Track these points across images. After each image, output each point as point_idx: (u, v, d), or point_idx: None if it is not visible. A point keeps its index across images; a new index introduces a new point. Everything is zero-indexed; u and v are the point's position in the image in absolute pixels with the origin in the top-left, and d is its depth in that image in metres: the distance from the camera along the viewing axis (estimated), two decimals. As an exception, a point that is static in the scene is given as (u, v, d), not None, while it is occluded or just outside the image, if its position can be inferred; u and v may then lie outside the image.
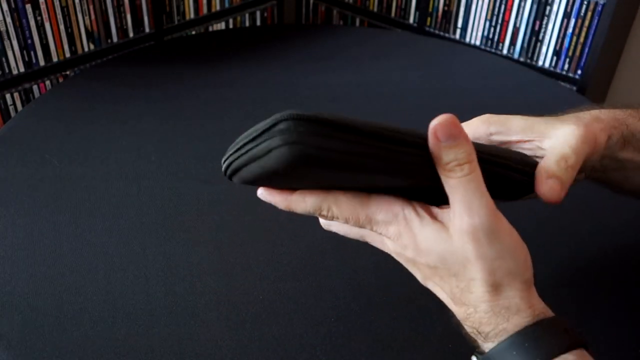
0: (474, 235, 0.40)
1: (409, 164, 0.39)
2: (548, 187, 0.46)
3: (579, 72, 1.49)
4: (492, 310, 0.41)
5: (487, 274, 0.41)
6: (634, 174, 0.55)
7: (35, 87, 1.34)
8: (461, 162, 0.39)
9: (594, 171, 0.54)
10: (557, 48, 1.51)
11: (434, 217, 0.42)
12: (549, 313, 0.42)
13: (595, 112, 0.53)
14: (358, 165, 0.37)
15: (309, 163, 0.35)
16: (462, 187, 0.40)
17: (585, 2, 1.42)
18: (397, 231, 0.42)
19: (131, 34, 1.48)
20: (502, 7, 1.55)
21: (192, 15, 1.60)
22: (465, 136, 0.39)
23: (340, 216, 0.43)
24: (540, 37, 1.52)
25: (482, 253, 0.40)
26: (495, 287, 0.41)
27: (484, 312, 0.42)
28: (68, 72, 1.39)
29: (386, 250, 0.45)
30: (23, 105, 1.34)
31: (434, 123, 0.39)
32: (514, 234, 0.42)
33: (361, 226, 0.44)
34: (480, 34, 1.62)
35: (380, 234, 0.44)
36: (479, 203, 0.40)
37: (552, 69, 1.53)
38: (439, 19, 1.68)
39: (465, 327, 0.43)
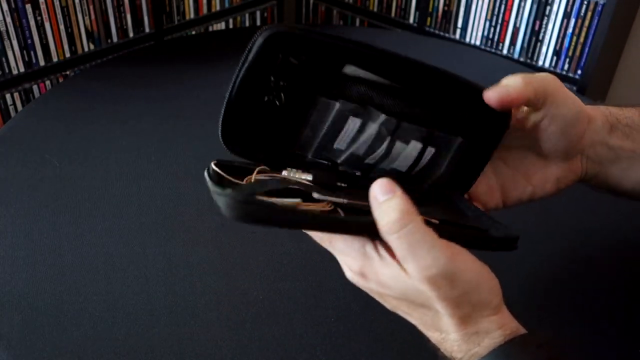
0: (433, 282, 0.40)
1: (354, 231, 0.42)
2: (492, 91, 0.49)
3: (579, 72, 1.49)
4: (461, 339, 0.42)
5: (453, 310, 0.41)
6: (629, 165, 0.54)
7: (35, 87, 1.34)
8: (398, 217, 0.39)
9: (592, 163, 0.53)
10: (557, 48, 1.51)
11: (394, 256, 0.41)
12: (522, 331, 0.42)
13: None
14: (305, 227, 0.41)
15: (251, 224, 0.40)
16: (406, 242, 0.39)
17: (585, 2, 1.42)
18: (357, 265, 0.43)
19: (131, 34, 1.48)
20: (502, 7, 1.55)
21: (192, 15, 1.60)
22: (401, 193, 0.40)
23: (315, 237, 0.45)
24: (540, 37, 1.52)
25: (444, 295, 0.40)
26: (463, 319, 0.42)
27: (454, 340, 0.42)
28: (68, 72, 1.39)
29: (349, 277, 0.44)
30: (23, 105, 1.34)
31: (372, 187, 0.41)
32: (475, 268, 0.41)
33: (324, 245, 0.44)
34: (480, 34, 1.62)
35: (340, 262, 0.44)
36: (429, 252, 0.39)
37: (552, 69, 1.53)
38: (439, 19, 1.68)
39: (441, 349, 0.44)
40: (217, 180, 0.44)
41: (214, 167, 0.46)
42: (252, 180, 0.45)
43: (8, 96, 1.31)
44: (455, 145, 0.51)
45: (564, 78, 1.51)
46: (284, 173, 0.48)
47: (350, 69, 0.48)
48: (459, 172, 0.51)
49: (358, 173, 0.51)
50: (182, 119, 0.89)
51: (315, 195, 0.43)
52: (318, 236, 0.44)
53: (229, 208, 0.39)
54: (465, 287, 0.41)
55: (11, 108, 1.33)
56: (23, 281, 0.61)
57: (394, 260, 0.41)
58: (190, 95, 0.96)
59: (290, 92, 0.46)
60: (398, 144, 0.50)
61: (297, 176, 0.47)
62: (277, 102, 0.47)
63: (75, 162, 0.79)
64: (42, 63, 1.34)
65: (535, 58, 1.55)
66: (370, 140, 0.50)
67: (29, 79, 1.33)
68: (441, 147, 0.51)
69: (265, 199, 0.40)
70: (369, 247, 0.42)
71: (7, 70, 1.29)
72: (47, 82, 1.36)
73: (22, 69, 1.31)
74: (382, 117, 0.49)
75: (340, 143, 0.50)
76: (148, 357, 0.54)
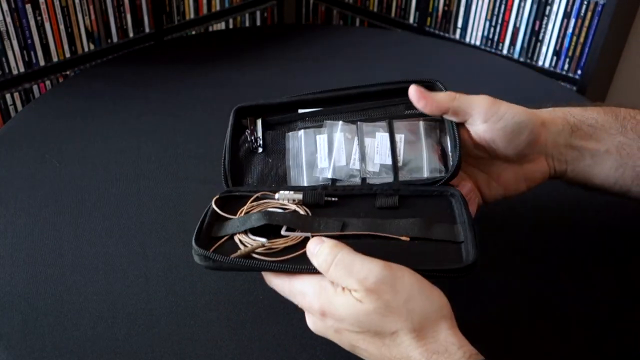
0: (375, 291, 0.43)
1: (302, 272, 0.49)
2: (414, 89, 0.57)
3: (579, 72, 1.49)
4: (423, 357, 0.43)
5: (405, 321, 0.43)
6: (594, 162, 0.59)
7: (35, 87, 1.34)
8: (327, 252, 0.46)
9: (558, 162, 0.59)
10: (557, 48, 1.51)
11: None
12: (480, 355, 0.43)
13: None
14: (260, 271, 0.51)
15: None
16: (341, 267, 0.45)
17: (585, 2, 1.42)
18: (317, 303, 0.46)
19: (131, 34, 1.47)
20: (502, 7, 1.55)
21: (192, 15, 1.60)
22: (328, 239, 0.47)
23: (273, 285, 0.50)
24: (540, 37, 1.52)
25: (390, 302, 0.43)
26: (418, 331, 0.43)
27: None
28: (68, 72, 1.39)
29: (311, 327, 0.49)
30: (23, 105, 1.33)
31: (307, 248, 0.48)
32: (413, 276, 0.45)
33: (288, 297, 0.50)
34: (480, 34, 1.62)
35: (303, 307, 0.49)
36: (363, 266, 0.45)
37: (552, 69, 1.53)
38: (439, 19, 1.68)
39: None
40: (216, 215, 0.56)
41: (214, 206, 0.56)
42: (244, 213, 0.55)
43: (8, 96, 1.31)
44: (421, 130, 0.60)
45: (564, 78, 1.51)
46: (277, 196, 0.56)
47: (301, 110, 0.62)
48: (445, 159, 0.58)
49: (358, 181, 0.58)
50: (182, 119, 0.89)
51: (283, 232, 0.52)
52: (279, 289, 0.50)
53: (198, 261, 0.51)
54: (408, 291, 0.44)
55: (11, 108, 1.33)
56: (23, 281, 0.61)
57: (346, 289, 0.45)
58: (190, 95, 0.96)
59: (266, 141, 0.62)
60: (367, 140, 0.59)
61: (288, 197, 0.56)
62: (258, 148, 0.62)
63: (75, 162, 0.79)
64: (42, 63, 1.33)
65: (535, 58, 1.55)
66: (343, 147, 0.59)
67: (29, 79, 1.33)
68: (408, 133, 0.60)
69: (219, 256, 0.50)
70: (324, 281, 0.47)
71: (7, 70, 1.29)
72: (47, 82, 1.36)
73: (22, 69, 1.31)
74: (340, 124, 0.60)
75: (322, 161, 0.59)
76: (148, 357, 0.54)
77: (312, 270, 0.47)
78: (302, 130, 0.61)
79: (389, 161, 0.58)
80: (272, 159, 0.61)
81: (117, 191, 0.74)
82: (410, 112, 0.60)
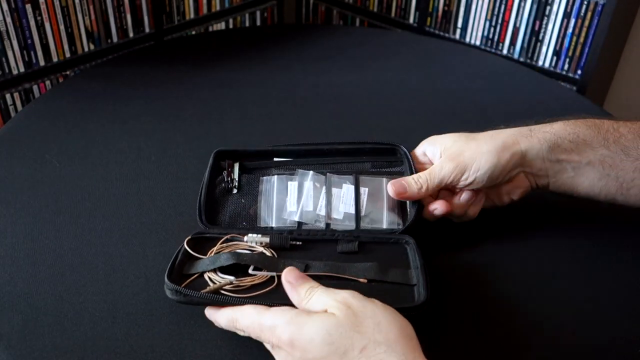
0: (346, 302, 0.48)
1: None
2: (391, 185, 0.63)
3: (579, 72, 1.49)
4: None
5: (372, 334, 0.46)
6: (576, 173, 0.63)
7: (35, 87, 1.34)
8: (310, 285, 0.51)
9: (539, 177, 0.64)
10: (557, 48, 1.51)
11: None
12: None
13: (500, 135, 0.64)
14: (226, 305, 0.53)
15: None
16: (321, 297, 0.49)
17: (585, 2, 1.42)
18: (286, 333, 0.48)
19: (131, 34, 1.47)
20: (502, 7, 1.55)
21: (192, 15, 1.60)
22: (307, 276, 0.52)
23: (244, 326, 0.51)
24: (540, 37, 1.52)
25: (359, 313, 0.47)
26: (387, 346, 0.45)
27: None
28: (68, 72, 1.39)
29: None
30: (23, 105, 1.33)
31: (284, 275, 0.52)
32: (379, 302, 0.49)
33: (258, 337, 0.51)
34: (480, 34, 1.62)
35: (271, 343, 0.50)
36: (336, 293, 0.49)
37: (552, 69, 1.53)
38: (439, 19, 1.68)
39: None
40: (187, 254, 0.59)
41: (185, 246, 0.60)
42: (214, 253, 0.59)
43: (8, 96, 1.31)
44: (383, 187, 0.66)
45: (564, 78, 1.52)
46: (246, 238, 0.61)
47: (276, 157, 0.70)
48: (403, 213, 0.65)
49: (322, 226, 0.63)
50: (182, 119, 0.89)
51: (250, 271, 0.57)
52: (250, 330, 0.51)
53: (170, 295, 0.54)
54: (372, 309, 0.47)
55: (11, 108, 1.33)
56: (23, 281, 0.61)
57: (321, 311, 0.48)
58: (190, 95, 0.96)
59: (241, 183, 0.68)
60: (334, 190, 0.66)
61: (256, 240, 0.61)
62: (233, 189, 0.68)
63: (75, 162, 0.79)
64: (42, 63, 1.33)
65: (535, 58, 1.55)
66: (311, 194, 0.65)
67: (29, 79, 1.33)
68: (373, 188, 0.66)
69: (190, 291, 0.54)
70: (297, 310, 0.49)
71: (7, 70, 1.29)
72: (47, 82, 1.36)
73: (22, 69, 1.31)
74: (311, 173, 0.67)
75: (291, 205, 0.65)
76: (148, 357, 0.54)
77: (279, 303, 0.51)
78: (276, 176, 0.68)
79: (352, 210, 0.64)
80: (245, 199, 0.67)
81: (117, 191, 0.74)
82: (376, 170, 0.69)
